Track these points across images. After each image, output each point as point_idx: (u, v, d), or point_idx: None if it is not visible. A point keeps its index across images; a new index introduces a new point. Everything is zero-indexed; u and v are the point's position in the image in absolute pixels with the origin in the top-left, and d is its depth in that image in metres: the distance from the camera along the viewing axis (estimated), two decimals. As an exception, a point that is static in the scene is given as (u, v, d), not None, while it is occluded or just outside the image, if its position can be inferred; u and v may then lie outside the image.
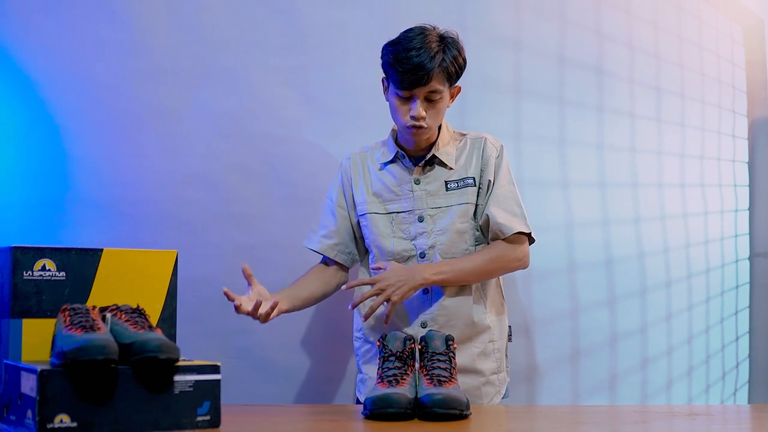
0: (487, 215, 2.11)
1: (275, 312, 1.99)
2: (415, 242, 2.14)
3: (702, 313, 2.78)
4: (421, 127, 2.06)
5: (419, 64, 1.99)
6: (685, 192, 2.78)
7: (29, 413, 1.44)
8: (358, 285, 2.10)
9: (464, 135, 2.20)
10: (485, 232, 2.15)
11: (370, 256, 2.21)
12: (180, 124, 2.57)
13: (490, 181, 2.14)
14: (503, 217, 2.10)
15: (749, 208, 2.85)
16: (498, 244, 2.11)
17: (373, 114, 2.49)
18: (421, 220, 2.14)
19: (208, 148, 2.57)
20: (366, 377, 2.19)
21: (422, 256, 2.13)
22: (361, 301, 2.06)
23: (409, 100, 2.05)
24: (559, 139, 2.69)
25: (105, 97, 2.55)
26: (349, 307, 2.08)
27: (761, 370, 2.80)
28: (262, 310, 1.96)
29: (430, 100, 2.05)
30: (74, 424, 1.43)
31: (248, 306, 1.96)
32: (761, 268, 2.82)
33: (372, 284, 2.06)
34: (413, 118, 2.05)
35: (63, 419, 1.42)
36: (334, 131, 2.59)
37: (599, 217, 2.70)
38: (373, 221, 2.17)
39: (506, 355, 2.23)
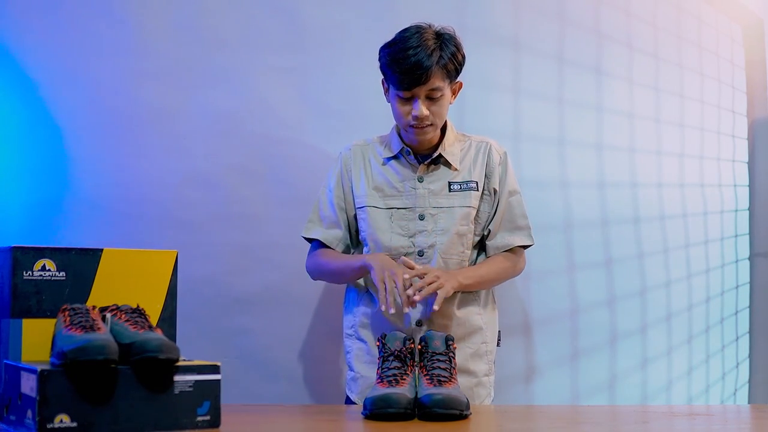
0: (490, 229, 2.17)
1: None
2: (414, 240, 2.14)
3: (702, 313, 2.78)
4: (424, 126, 2.07)
5: (417, 63, 1.99)
6: (685, 192, 2.78)
7: (29, 413, 1.44)
8: (415, 275, 2.02)
9: (468, 137, 2.22)
10: (487, 243, 2.19)
11: (365, 250, 2.21)
12: (180, 124, 2.57)
13: (495, 189, 2.16)
14: (508, 234, 2.18)
15: (749, 208, 2.85)
16: (509, 256, 2.20)
17: (373, 114, 2.48)
18: (422, 218, 2.14)
19: (208, 148, 2.58)
20: (357, 375, 2.18)
21: (420, 254, 2.13)
22: (422, 290, 1.98)
23: (410, 100, 2.06)
24: (559, 139, 2.69)
25: (105, 97, 2.55)
26: (435, 307, 1.98)
27: (761, 370, 2.80)
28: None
29: (431, 99, 2.06)
30: (74, 424, 1.43)
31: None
32: (761, 268, 2.82)
33: (421, 275, 2.02)
34: (415, 118, 2.06)
35: (63, 419, 1.42)
36: (333, 131, 2.59)
37: (599, 217, 2.69)
38: (371, 215, 2.15)
39: (494, 360, 2.23)
